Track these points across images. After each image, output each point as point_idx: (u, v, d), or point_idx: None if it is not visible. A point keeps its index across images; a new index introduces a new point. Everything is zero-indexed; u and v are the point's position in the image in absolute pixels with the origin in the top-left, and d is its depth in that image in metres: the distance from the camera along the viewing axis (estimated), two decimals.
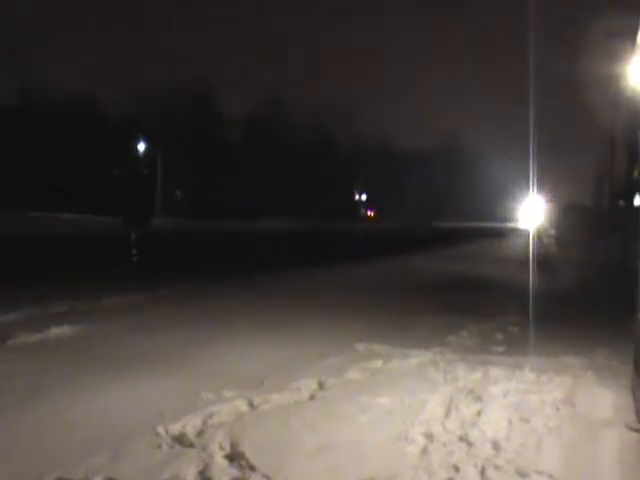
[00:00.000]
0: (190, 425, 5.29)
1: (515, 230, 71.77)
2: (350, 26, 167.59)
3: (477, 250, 35.86)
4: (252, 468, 4.50)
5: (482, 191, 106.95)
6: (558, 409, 6.01)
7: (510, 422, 5.58)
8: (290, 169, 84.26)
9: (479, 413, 5.80)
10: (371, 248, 35.17)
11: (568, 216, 44.01)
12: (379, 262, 24.02)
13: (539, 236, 45.40)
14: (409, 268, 21.64)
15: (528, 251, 27.03)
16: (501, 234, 60.93)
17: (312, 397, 6.26)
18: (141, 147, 75.88)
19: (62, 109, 71.32)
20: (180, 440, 5.01)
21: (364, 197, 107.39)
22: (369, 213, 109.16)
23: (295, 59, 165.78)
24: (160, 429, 5.17)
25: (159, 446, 4.87)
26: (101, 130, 71.56)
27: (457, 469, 4.58)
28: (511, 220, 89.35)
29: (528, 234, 40.68)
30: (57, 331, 8.91)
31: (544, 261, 24.46)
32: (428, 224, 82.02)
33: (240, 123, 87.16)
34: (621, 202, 35.56)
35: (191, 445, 4.92)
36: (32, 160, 64.05)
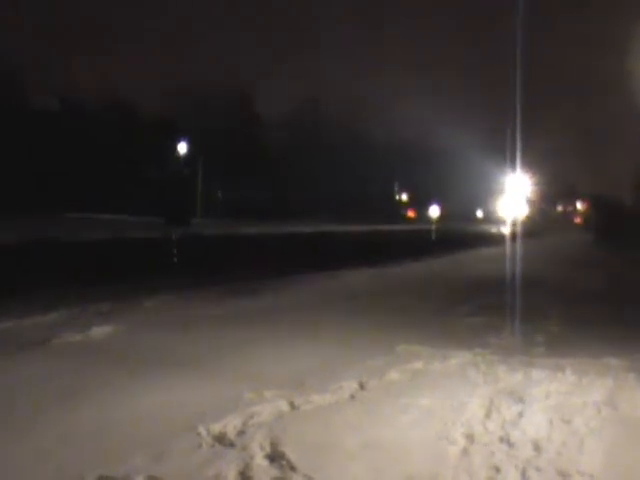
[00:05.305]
0: (231, 425, 5.32)
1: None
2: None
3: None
4: (293, 468, 4.52)
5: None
6: (600, 411, 5.96)
7: (551, 423, 5.55)
8: (331, 170, 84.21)
9: (520, 414, 5.77)
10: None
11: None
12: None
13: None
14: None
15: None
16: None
17: (353, 398, 6.27)
18: (182, 148, 76.23)
19: (100, 112, 71.89)
20: (221, 440, 5.04)
21: (404, 197, 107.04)
22: (410, 213, 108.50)
23: (334, 60, 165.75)
24: (201, 429, 5.20)
25: (200, 446, 4.91)
26: (140, 131, 72.10)
27: (498, 470, 4.56)
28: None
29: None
30: (99, 330, 9.01)
31: None
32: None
33: (280, 124, 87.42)
34: None
35: (232, 445, 4.95)
36: (70, 161, 64.53)
